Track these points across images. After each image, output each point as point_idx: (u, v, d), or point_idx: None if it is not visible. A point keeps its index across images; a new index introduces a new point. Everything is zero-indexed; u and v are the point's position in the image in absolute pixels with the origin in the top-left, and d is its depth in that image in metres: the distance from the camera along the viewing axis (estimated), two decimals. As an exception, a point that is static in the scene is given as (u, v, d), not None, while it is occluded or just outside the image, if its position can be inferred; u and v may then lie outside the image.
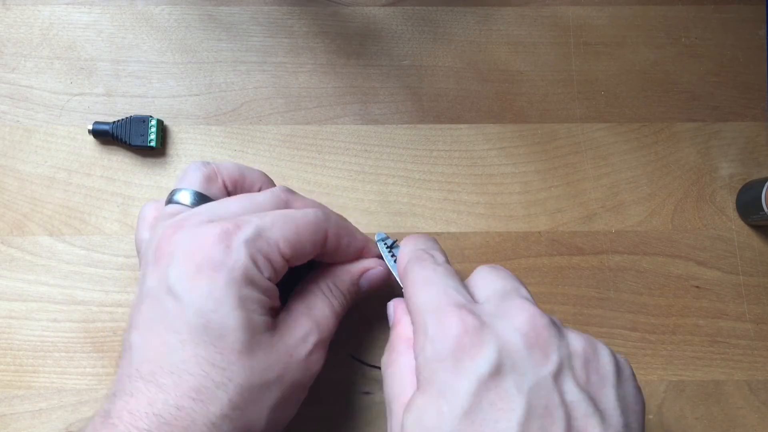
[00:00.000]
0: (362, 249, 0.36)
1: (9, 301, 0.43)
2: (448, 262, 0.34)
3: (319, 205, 0.36)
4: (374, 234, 0.39)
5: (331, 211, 0.36)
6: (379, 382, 0.42)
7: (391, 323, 0.34)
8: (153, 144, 0.44)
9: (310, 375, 0.31)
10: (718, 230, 0.45)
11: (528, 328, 0.27)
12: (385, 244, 0.38)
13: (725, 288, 0.44)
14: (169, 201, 0.35)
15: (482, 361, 0.26)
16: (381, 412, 0.41)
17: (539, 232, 0.44)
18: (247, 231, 0.30)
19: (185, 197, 0.35)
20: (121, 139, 0.44)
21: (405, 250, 0.35)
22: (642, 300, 0.44)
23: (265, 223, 0.30)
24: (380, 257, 0.37)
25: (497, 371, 0.26)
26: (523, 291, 0.30)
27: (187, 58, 0.46)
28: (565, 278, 0.44)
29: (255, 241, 0.29)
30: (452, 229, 0.44)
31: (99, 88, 0.46)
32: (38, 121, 0.45)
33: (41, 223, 0.44)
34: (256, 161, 0.45)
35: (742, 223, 0.45)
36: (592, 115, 0.46)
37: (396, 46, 0.47)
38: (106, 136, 0.44)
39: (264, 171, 0.45)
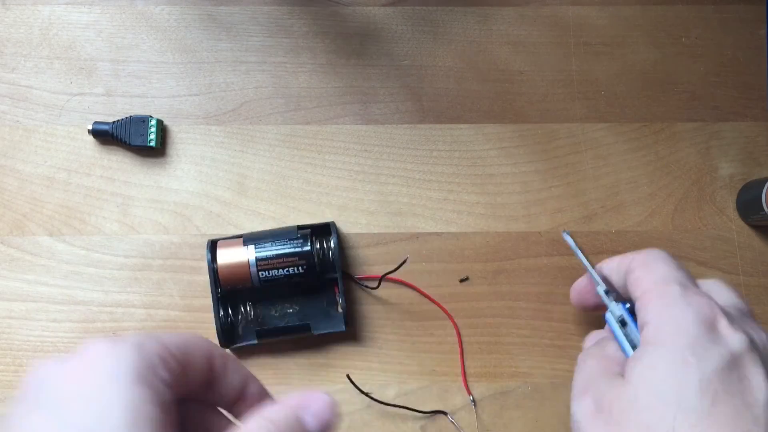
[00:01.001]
0: (248, 375, 0.28)
1: (9, 301, 0.43)
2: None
3: None
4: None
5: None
6: (378, 382, 0.42)
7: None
8: (153, 144, 0.44)
9: None
10: (719, 230, 0.45)
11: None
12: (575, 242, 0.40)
13: (725, 288, 0.44)
14: None
15: (736, 339, 0.28)
16: (381, 412, 0.41)
17: (539, 232, 0.44)
18: (130, 337, 0.25)
19: None
20: (121, 139, 0.44)
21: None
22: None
23: (150, 334, 0.25)
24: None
25: (747, 352, 0.27)
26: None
27: (187, 58, 0.46)
28: (565, 278, 0.43)
29: (146, 340, 0.25)
30: (452, 229, 0.44)
31: (99, 88, 0.46)
32: (38, 121, 0.45)
33: (41, 223, 0.44)
34: (256, 161, 0.45)
35: (742, 223, 0.45)
36: (592, 115, 0.46)
37: (396, 46, 0.47)
38: (106, 136, 0.44)
39: (264, 171, 0.45)
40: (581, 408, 0.30)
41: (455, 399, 0.42)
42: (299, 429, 0.25)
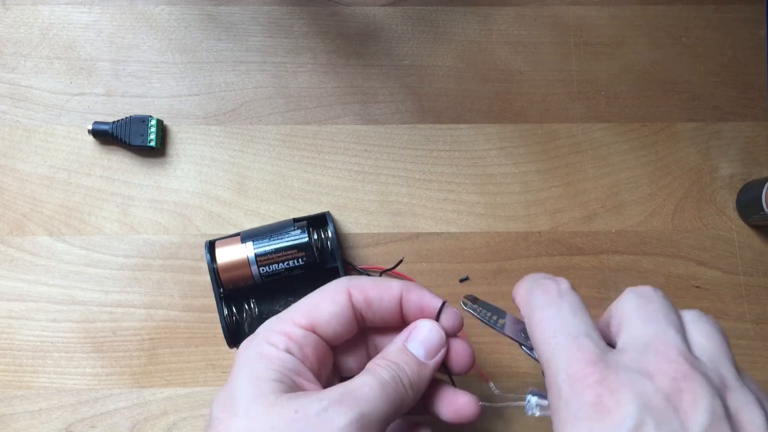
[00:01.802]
0: (399, 296, 0.32)
1: (9, 301, 0.43)
2: (572, 288, 0.30)
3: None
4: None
5: (360, 275, 0.34)
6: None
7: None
8: (153, 144, 0.44)
9: None
10: (719, 230, 0.45)
11: (671, 389, 0.23)
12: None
13: (725, 288, 0.44)
14: None
15: (621, 425, 0.22)
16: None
17: (539, 232, 0.44)
18: (262, 326, 0.31)
19: None
20: (121, 139, 0.44)
21: (523, 281, 0.31)
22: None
23: (281, 314, 0.32)
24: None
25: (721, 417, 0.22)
26: (671, 335, 0.26)
27: (187, 58, 0.46)
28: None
29: (268, 326, 0.31)
30: (452, 229, 0.44)
31: (99, 88, 0.46)
32: (38, 121, 0.45)
33: (41, 223, 0.44)
34: (256, 161, 0.45)
35: (742, 223, 0.45)
36: (592, 115, 0.46)
37: (396, 46, 0.47)
38: (106, 136, 0.44)
39: (264, 171, 0.45)
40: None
41: (455, 399, 0.42)
42: (412, 360, 0.30)
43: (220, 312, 0.41)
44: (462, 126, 0.46)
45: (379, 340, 0.33)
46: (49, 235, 0.44)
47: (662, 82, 0.47)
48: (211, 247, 0.41)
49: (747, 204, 0.44)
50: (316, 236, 0.42)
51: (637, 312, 0.28)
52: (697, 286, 0.44)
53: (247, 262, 0.40)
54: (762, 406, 0.24)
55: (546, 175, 0.45)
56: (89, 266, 0.43)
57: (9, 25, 0.46)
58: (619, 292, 0.44)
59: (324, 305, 0.31)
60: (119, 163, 0.45)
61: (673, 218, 0.45)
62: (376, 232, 0.44)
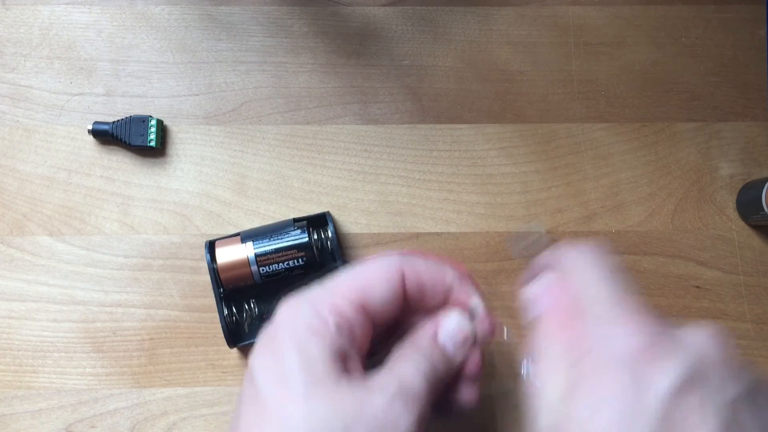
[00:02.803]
0: (450, 287, 0.32)
1: (9, 301, 0.43)
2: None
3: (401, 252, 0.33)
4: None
5: (414, 254, 0.32)
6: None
7: (537, 308, 0.31)
8: (153, 144, 0.44)
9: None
10: (719, 230, 0.45)
11: (720, 340, 0.24)
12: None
13: (725, 288, 0.44)
14: None
15: (672, 372, 0.23)
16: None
17: (539, 233, 0.44)
18: (308, 293, 0.29)
19: None
20: (121, 139, 0.44)
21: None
22: (642, 300, 0.43)
23: (327, 283, 0.30)
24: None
25: (690, 384, 0.23)
26: None
27: (187, 58, 0.46)
28: (565, 278, 0.43)
29: (316, 296, 0.29)
30: (452, 229, 0.44)
31: (99, 88, 0.46)
32: (38, 121, 0.45)
33: (41, 223, 0.44)
34: (256, 161, 0.45)
35: (742, 223, 0.45)
36: (592, 115, 0.46)
37: (396, 46, 0.47)
38: (106, 136, 0.44)
39: (264, 171, 0.45)
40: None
41: (455, 399, 0.42)
42: (438, 352, 0.30)
43: (220, 312, 0.41)
44: (462, 126, 0.46)
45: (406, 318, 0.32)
46: (49, 235, 0.44)
47: (662, 82, 0.47)
48: (211, 247, 0.41)
49: (747, 204, 0.44)
50: (316, 236, 0.42)
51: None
52: (697, 286, 0.44)
53: (247, 262, 0.40)
54: None
55: (546, 175, 0.45)
56: (89, 266, 0.43)
57: (9, 25, 0.46)
58: (619, 292, 0.44)
59: (377, 284, 0.29)
60: (119, 163, 0.45)
61: (673, 218, 0.45)
62: (376, 232, 0.44)
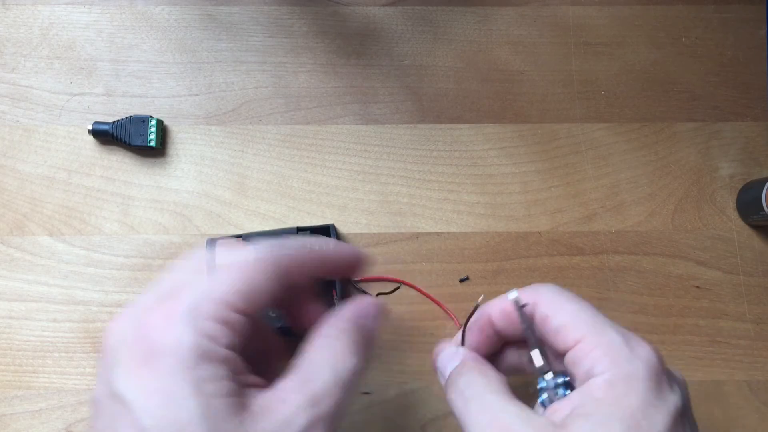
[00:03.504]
0: (337, 256, 0.30)
1: (9, 301, 0.43)
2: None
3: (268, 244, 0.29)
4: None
5: (285, 240, 0.29)
6: (378, 382, 0.42)
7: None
8: (153, 144, 0.44)
9: None
10: (719, 230, 0.45)
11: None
12: (517, 302, 0.30)
13: (725, 288, 0.44)
14: None
15: (678, 395, 0.26)
16: (381, 411, 0.41)
17: (539, 232, 0.44)
18: (184, 300, 0.24)
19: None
20: (121, 139, 0.44)
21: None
22: (642, 300, 0.43)
23: (203, 284, 0.25)
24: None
25: (685, 410, 0.27)
26: None
27: (187, 58, 0.46)
28: (565, 278, 0.43)
29: (197, 309, 0.24)
30: (452, 229, 0.44)
31: (99, 88, 0.46)
32: (38, 121, 0.45)
33: (41, 223, 0.44)
34: (256, 161, 0.45)
35: (742, 223, 0.45)
36: (592, 115, 0.46)
37: (396, 46, 0.47)
38: (106, 136, 0.44)
39: (264, 171, 0.45)
40: None
41: (455, 399, 0.42)
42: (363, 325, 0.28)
43: None
44: (462, 126, 0.46)
45: None
46: (49, 235, 0.44)
47: (662, 82, 0.47)
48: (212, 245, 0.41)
49: (747, 204, 0.44)
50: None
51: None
52: (697, 286, 0.44)
53: None
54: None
55: (546, 175, 0.45)
56: (89, 266, 0.43)
57: (9, 25, 0.46)
58: (619, 292, 0.44)
59: (267, 285, 0.26)
60: (119, 163, 0.45)
61: (673, 218, 0.45)
62: (376, 232, 0.44)
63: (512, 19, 0.47)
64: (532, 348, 0.29)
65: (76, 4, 0.47)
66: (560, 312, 0.29)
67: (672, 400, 0.26)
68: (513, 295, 0.30)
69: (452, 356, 0.32)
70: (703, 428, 0.42)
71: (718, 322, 0.43)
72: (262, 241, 0.28)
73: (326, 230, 0.42)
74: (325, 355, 0.27)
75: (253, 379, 0.25)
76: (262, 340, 0.29)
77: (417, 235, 0.44)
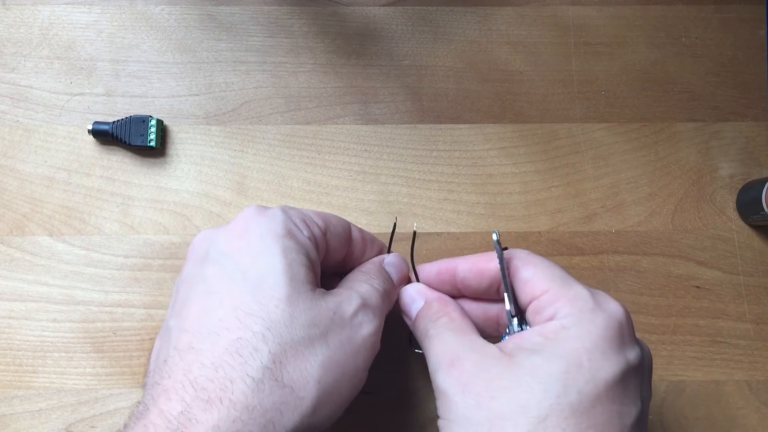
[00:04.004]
0: (382, 248, 0.38)
1: (9, 301, 0.43)
2: None
3: None
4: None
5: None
6: (378, 382, 0.42)
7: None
8: (153, 144, 0.44)
9: (359, 342, 0.29)
10: (719, 230, 0.45)
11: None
12: (499, 243, 0.32)
13: (725, 288, 0.44)
14: None
15: (636, 354, 0.27)
16: (380, 412, 0.41)
17: (539, 232, 0.44)
18: (279, 207, 0.31)
19: None
20: (121, 139, 0.44)
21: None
22: (642, 300, 0.43)
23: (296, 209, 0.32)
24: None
25: (639, 372, 0.27)
26: None
27: (187, 58, 0.46)
28: (565, 278, 0.43)
29: (289, 209, 0.31)
30: (452, 229, 0.44)
31: (99, 88, 0.46)
32: (38, 121, 0.45)
33: (41, 223, 0.44)
34: (256, 161, 0.45)
35: (742, 223, 0.45)
36: (592, 115, 0.46)
37: (396, 46, 0.47)
38: (106, 136, 0.44)
39: (264, 171, 0.45)
40: (451, 380, 0.28)
41: (455, 399, 0.42)
42: (385, 275, 0.34)
43: None
44: (462, 126, 0.46)
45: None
46: (49, 235, 0.44)
47: (662, 82, 0.47)
48: None
49: (747, 204, 0.44)
50: None
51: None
52: (697, 286, 0.44)
53: None
54: None
55: (546, 175, 0.45)
56: (89, 266, 0.43)
57: (9, 25, 0.46)
58: (619, 292, 0.44)
59: (335, 219, 0.33)
60: (119, 163, 0.45)
61: (673, 218, 0.45)
62: (376, 232, 0.44)
63: (512, 19, 0.47)
64: (504, 291, 0.31)
65: (76, 4, 0.47)
66: (531, 266, 0.31)
67: (629, 356, 0.27)
68: (496, 236, 0.32)
69: (417, 296, 0.34)
70: (703, 428, 0.42)
71: (718, 322, 0.43)
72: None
73: None
74: (369, 273, 0.33)
75: (317, 280, 0.30)
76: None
77: (417, 235, 0.44)
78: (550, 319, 0.28)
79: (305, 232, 0.30)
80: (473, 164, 0.45)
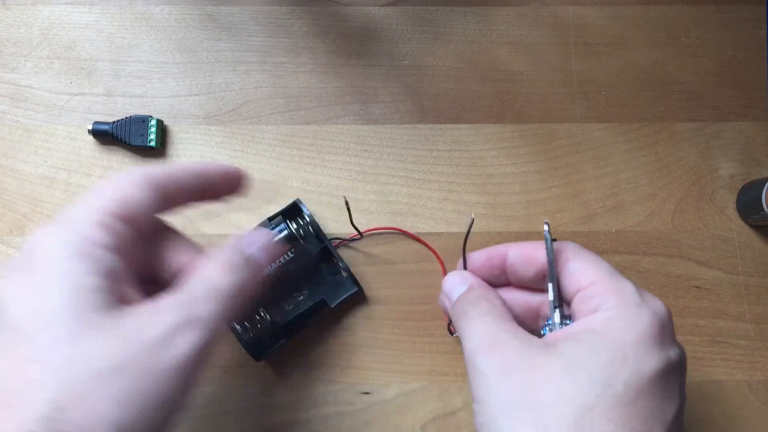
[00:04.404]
0: (208, 169, 0.32)
1: (9, 301, 0.43)
2: None
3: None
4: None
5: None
6: (378, 382, 0.42)
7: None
8: (153, 144, 0.44)
9: (169, 365, 0.24)
10: (719, 230, 0.45)
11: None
12: (549, 233, 0.32)
13: (725, 288, 0.44)
14: None
15: (677, 353, 0.28)
16: (380, 412, 0.41)
17: (539, 232, 0.44)
18: (63, 214, 0.26)
19: None
20: (121, 139, 0.44)
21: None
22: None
23: (80, 200, 0.27)
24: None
25: (679, 370, 0.28)
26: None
27: (187, 58, 0.46)
28: (565, 278, 0.43)
29: (73, 215, 0.26)
30: (452, 229, 0.44)
31: (99, 88, 0.46)
32: (38, 121, 0.45)
33: (41, 223, 0.44)
34: (256, 161, 0.45)
35: (742, 223, 0.45)
36: (592, 115, 0.46)
37: (396, 46, 0.47)
38: (106, 136, 0.44)
39: (264, 171, 0.45)
40: (492, 363, 0.27)
41: (455, 399, 0.42)
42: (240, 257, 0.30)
43: (235, 332, 0.40)
44: (462, 126, 0.46)
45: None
46: (49, 235, 0.44)
47: (662, 82, 0.47)
48: None
49: (747, 204, 0.44)
50: (295, 225, 0.42)
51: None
52: (697, 286, 0.44)
53: None
54: None
55: (546, 175, 0.45)
56: (89, 266, 0.43)
57: (9, 25, 0.46)
58: (619, 292, 0.44)
59: (130, 189, 0.27)
60: (119, 163, 0.45)
61: (673, 218, 0.45)
62: (376, 231, 0.44)
63: (512, 19, 0.47)
64: (549, 281, 0.31)
65: (76, 4, 0.47)
66: (581, 259, 0.31)
67: (670, 353, 0.27)
68: (546, 226, 0.32)
69: (460, 282, 0.33)
70: (703, 428, 0.42)
71: (718, 322, 0.43)
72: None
73: (295, 207, 0.42)
74: (202, 272, 0.28)
75: (135, 295, 0.26)
76: (155, 266, 0.29)
77: (417, 235, 0.44)
78: (595, 310, 0.28)
79: (98, 237, 0.25)
80: (473, 164, 0.45)
